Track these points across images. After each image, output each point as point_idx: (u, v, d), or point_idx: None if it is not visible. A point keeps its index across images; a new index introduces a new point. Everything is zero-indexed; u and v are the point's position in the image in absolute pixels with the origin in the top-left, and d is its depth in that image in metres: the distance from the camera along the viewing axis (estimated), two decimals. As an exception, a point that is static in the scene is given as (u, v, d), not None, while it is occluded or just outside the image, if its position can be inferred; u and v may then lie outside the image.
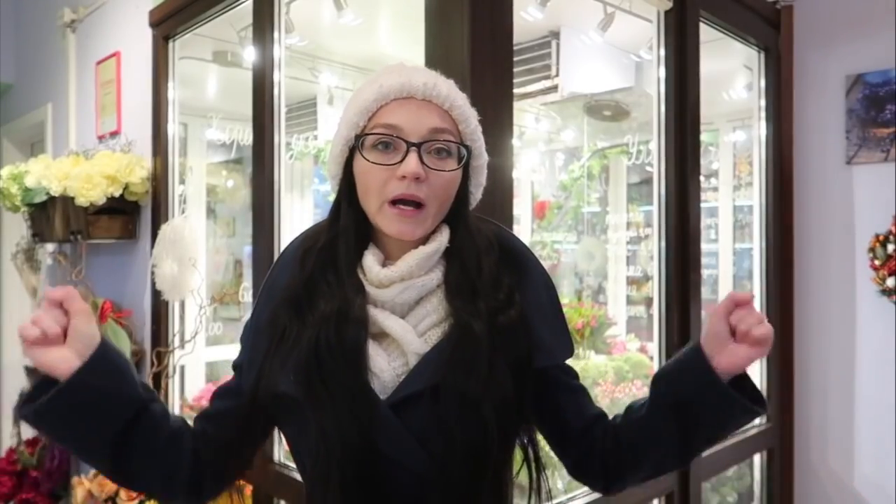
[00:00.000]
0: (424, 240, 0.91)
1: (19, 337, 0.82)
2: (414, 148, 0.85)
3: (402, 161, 0.85)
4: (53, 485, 2.80)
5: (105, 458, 0.86)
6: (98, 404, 0.83)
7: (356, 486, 0.84)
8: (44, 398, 0.80)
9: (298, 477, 1.73)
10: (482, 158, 0.94)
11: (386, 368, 0.87)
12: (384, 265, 0.90)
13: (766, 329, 0.83)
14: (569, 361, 1.00)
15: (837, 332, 2.34)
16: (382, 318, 0.88)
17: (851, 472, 2.32)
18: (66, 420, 0.82)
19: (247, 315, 1.05)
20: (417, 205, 0.86)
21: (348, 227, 0.91)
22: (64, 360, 0.81)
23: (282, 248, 1.82)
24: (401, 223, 0.86)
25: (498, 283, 0.91)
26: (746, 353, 0.85)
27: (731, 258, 3.03)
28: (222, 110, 2.58)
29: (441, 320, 0.89)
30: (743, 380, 0.88)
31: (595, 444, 0.96)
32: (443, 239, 0.90)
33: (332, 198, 0.97)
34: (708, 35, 2.10)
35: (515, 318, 0.90)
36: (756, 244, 2.46)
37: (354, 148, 0.89)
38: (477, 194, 0.96)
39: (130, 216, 2.48)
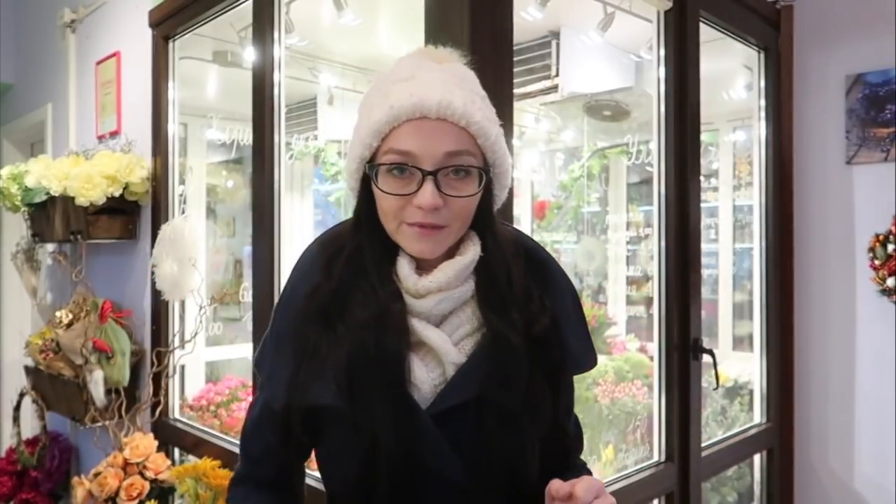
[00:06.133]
0: (455, 248, 0.88)
1: None
2: (430, 177, 0.81)
3: (417, 190, 0.81)
4: (53, 485, 2.80)
5: None
6: None
7: (396, 497, 0.83)
8: None
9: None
10: (506, 164, 0.89)
11: (425, 379, 0.85)
12: (419, 274, 0.87)
13: None
14: None
15: (837, 332, 2.34)
16: (421, 327, 0.86)
17: (851, 472, 2.32)
18: None
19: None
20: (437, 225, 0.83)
21: (373, 237, 0.88)
22: None
23: (282, 249, 1.82)
24: (420, 243, 0.84)
25: (528, 293, 0.90)
26: None
27: (731, 258, 3.04)
28: (222, 110, 2.58)
29: (474, 330, 0.88)
30: None
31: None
32: (476, 249, 0.88)
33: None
34: (708, 35, 2.10)
35: (548, 326, 0.88)
36: (756, 244, 2.46)
37: (369, 172, 0.85)
38: (502, 196, 0.92)
39: (130, 216, 2.48)
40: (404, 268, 0.86)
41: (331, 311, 0.87)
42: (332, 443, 0.88)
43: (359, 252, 0.89)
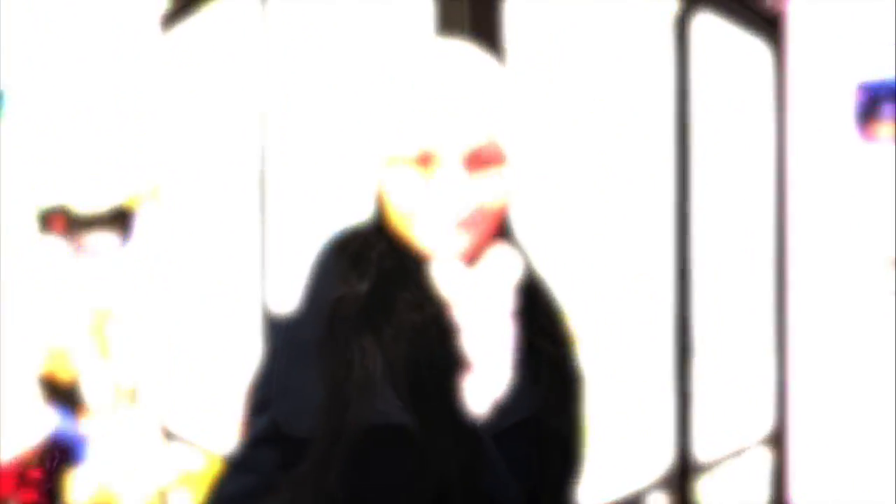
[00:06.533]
0: (476, 254, 0.82)
1: None
2: (453, 169, 0.75)
3: (439, 184, 0.75)
4: (53, 485, 2.80)
5: None
6: None
7: None
8: None
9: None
10: (524, 161, 0.86)
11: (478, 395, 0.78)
12: None
13: None
14: None
15: (837, 332, 2.34)
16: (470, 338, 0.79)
17: (851, 472, 2.32)
18: None
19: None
20: None
21: (401, 235, 0.81)
22: None
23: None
24: (445, 240, 0.78)
25: (555, 307, 0.87)
26: None
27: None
28: (224, 109, 2.57)
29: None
30: None
31: None
32: (515, 255, 0.83)
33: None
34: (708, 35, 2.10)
35: (572, 340, 0.87)
36: (755, 244, 2.45)
37: (388, 165, 0.79)
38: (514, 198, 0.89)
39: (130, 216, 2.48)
40: (449, 271, 0.78)
41: (371, 313, 0.76)
42: (383, 468, 0.74)
43: (392, 250, 0.80)
